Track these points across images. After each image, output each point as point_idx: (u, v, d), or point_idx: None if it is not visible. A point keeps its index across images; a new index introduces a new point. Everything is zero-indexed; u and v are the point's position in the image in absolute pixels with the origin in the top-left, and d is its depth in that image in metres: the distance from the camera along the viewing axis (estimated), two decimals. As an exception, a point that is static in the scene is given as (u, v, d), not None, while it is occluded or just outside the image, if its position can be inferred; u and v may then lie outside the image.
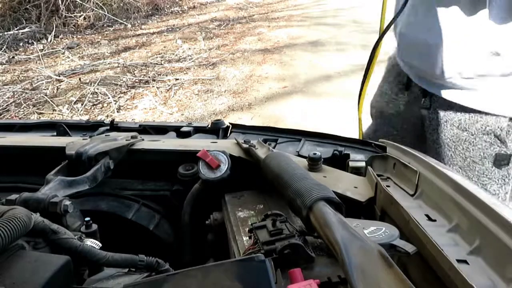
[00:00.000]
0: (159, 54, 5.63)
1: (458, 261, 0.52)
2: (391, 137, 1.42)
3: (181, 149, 0.93)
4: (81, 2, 7.16)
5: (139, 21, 7.83)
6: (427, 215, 0.64)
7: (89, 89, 4.27)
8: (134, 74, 4.87)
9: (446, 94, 1.15)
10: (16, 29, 6.34)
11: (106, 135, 1.00)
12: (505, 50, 0.99)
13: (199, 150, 0.87)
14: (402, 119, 1.38)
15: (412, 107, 1.32)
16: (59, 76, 4.69)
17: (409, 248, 0.50)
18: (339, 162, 0.90)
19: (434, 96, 1.20)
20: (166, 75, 4.83)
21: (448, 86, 1.13)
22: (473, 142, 1.13)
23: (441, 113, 1.19)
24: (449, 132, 1.18)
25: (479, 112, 1.10)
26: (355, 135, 1.09)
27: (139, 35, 6.87)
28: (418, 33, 1.15)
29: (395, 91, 1.37)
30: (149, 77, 4.75)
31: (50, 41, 6.36)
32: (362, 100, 1.38)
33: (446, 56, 1.08)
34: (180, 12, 9.00)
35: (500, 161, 1.11)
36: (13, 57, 5.56)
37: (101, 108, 4.00)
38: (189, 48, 5.90)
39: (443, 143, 1.21)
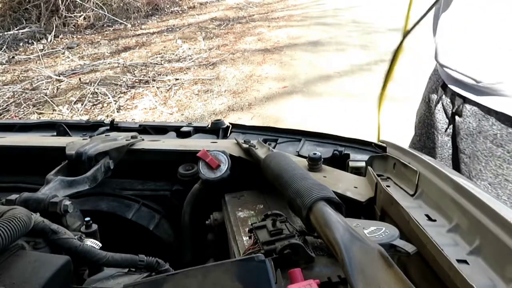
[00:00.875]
0: (159, 54, 5.62)
1: (458, 261, 0.52)
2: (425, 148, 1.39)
3: (181, 149, 0.93)
4: (81, 2, 7.16)
5: (139, 21, 7.83)
6: (427, 215, 0.64)
7: (89, 89, 4.26)
8: (134, 74, 4.87)
9: (487, 101, 1.06)
10: (16, 29, 6.33)
11: (106, 135, 1.00)
12: None
13: (199, 150, 0.87)
14: (432, 124, 1.33)
15: (442, 112, 1.27)
16: (59, 76, 4.69)
17: (409, 248, 0.50)
18: (339, 162, 0.90)
19: (468, 103, 1.12)
20: (166, 75, 4.83)
21: (493, 92, 1.04)
22: (508, 160, 1.06)
23: (474, 123, 1.11)
24: (481, 145, 1.10)
25: None
26: (355, 135, 1.08)
27: (139, 35, 6.87)
28: (461, 34, 1.06)
29: (432, 97, 1.31)
30: (149, 77, 4.75)
31: (50, 41, 6.36)
32: (382, 101, 1.33)
33: (497, 60, 1.00)
34: (180, 12, 9.00)
35: None
36: (13, 57, 5.55)
37: (101, 108, 4.00)
38: (189, 48, 5.89)
39: (473, 155, 1.14)
